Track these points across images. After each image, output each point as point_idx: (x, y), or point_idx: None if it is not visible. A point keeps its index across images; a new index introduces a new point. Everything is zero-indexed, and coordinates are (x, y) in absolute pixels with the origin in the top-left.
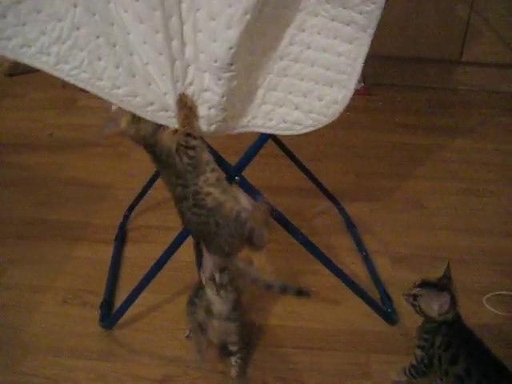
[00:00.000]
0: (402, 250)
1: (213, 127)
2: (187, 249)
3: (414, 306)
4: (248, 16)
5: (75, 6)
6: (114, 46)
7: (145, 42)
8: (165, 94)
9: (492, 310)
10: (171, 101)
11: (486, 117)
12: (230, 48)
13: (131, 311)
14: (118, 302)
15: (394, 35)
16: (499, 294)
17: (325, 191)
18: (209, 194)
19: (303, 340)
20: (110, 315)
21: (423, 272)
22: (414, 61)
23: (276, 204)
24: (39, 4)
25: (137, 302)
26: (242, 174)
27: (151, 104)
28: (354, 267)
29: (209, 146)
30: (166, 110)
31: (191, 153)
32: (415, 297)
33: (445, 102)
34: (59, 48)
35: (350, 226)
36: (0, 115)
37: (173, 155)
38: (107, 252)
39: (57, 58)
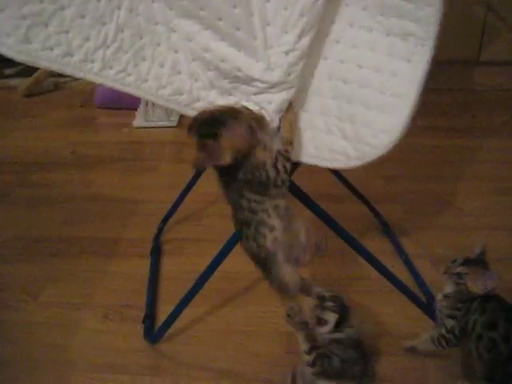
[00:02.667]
0: (442, 252)
1: None
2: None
3: (457, 283)
4: None
5: (119, 8)
6: (158, 45)
7: (190, 40)
8: (212, 88)
9: None
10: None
11: (509, 116)
12: None
13: (174, 325)
14: (160, 316)
15: None
16: None
17: (359, 196)
18: (272, 229)
19: None
20: (153, 329)
21: None
22: (433, 63)
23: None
24: (84, 9)
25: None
26: None
27: (198, 100)
28: (395, 270)
29: None
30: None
31: (288, 165)
32: (459, 275)
33: (466, 103)
34: (104, 53)
35: (387, 229)
36: (22, 135)
37: (266, 169)
38: (141, 266)
39: (102, 63)
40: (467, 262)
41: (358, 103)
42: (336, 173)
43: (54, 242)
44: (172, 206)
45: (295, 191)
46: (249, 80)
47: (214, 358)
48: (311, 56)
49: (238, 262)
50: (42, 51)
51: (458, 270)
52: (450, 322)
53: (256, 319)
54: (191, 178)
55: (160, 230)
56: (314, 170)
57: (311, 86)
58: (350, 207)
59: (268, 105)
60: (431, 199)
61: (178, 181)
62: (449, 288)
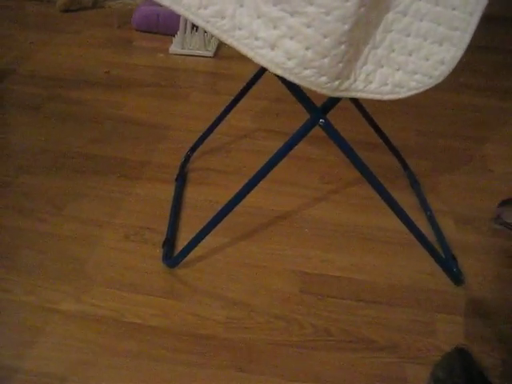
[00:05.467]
0: (467, 212)
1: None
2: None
3: (505, 226)
4: None
5: None
6: None
7: None
8: (258, 17)
9: None
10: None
11: None
12: None
13: (193, 252)
14: (179, 241)
15: None
16: None
17: (391, 146)
18: None
19: (367, 293)
20: (171, 254)
21: (487, 235)
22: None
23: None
24: None
25: (199, 243)
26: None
27: (239, 29)
28: (418, 225)
29: (294, 84)
30: (256, 38)
31: None
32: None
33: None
34: None
35: (415, 183)
36: (56, 50)
37: None
38: (166, 191)
39: None
40: (503, 203)
41: (417, 36)
42: (371, 121)
43: (81, 158)
44: (201, 136)
45: (331, 133)
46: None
47: (228, 288)
48: None
49: (260, 199)
50: None
51: (497, 213)
52: None
53: (273, 256)
54: (223, 109)
55: (187, 158)
56: (350, 116)
57: (372, 19)
58: (379, 157)
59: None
60: (462, 158)
61: (208, 111)
62: None
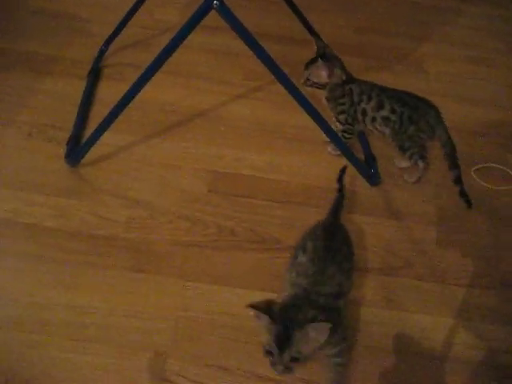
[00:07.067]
0: None
1: None
2: (159, 88)
3: (314, 86)
4: None
5: None
6: None
7: None
8: None
9: (480, 182)
10: None
11: None
12: None
13: (99, 150)
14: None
15: None
16: (489, 167)
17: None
18: None
19: (278, 193)
20: (76, 152)
21: None
22: None
23: (271, 52)
24: None
25: (105, 141)
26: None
27: None
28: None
29: None
30: None
31: None
32: (308, 80)
33: None
34: None
35: None
36: None
37: None
38: (78, 87)
39: None
40: (306, 65)
41: None
42: (303, 19)
43: None
44: (116, 28)
45: (228, 17)
46: None
47: (132, 187)
48: None
49: (177, 95)
50: None
51: (305, 75)
52: (341, 118)
53: (185, 154)
54: None
55: (102, 52)
56: (284, 12)
57: None
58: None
59: None
60: (400, 57)
61: (130, 2)
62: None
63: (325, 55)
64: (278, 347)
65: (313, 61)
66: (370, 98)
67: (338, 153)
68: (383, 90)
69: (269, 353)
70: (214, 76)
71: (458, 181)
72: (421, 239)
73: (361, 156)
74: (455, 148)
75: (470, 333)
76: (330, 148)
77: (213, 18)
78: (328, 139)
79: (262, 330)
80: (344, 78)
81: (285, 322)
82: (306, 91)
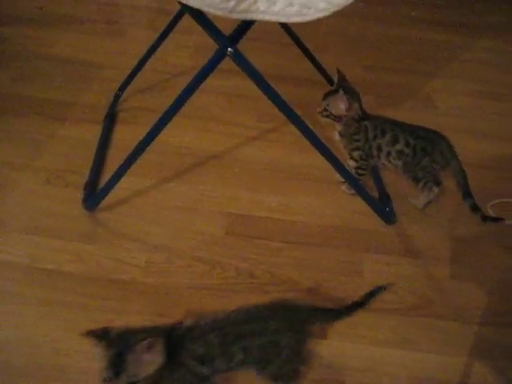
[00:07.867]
0: None
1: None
2: (175, 131)
3: (329, 117)
4: None
5: None
6: None
7: None
8: None
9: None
10: None
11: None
12: None
13: (116, 195)
14: (103, 184)
15: None
16: (505, 202)
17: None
18: None
19: (295, 234)
20: (93, 197)
21: None
22: None
23: (284, 93)
24: None
25: (122, 185)
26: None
27: None
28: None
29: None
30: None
31: None
32: (326, 110)
33: None
34: None
35: None
36: None
37: None
38: (94, 133)
39: None
40: (324, 95)
41: None
42: (313, 59)
43: (2, 99)
44: (130, 73)
45: (241, 62)
46: None
47: (150, 231)
48: None
49: (192, 139)
50: None
51: (322, 105)
52: (355, 154)
53: (201, 197)
54: (151, 45)
55: (117, 97)
56: (294, 53)
57: None
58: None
59: None
60: (408, 94)
61: (146, 49)
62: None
63: (345, 88)
64: (114, 372)
65: (332, 92)
66: (383, 133)
67: (353, 192)
68: (395, 124)
69: (106, 379)
70: (228, 118)
71: (475, 208)
72: (437, 275)
73: (375, 194)
74: (467, 177)
75: (491, 370)
76: (344, 187)
77: (227, 61)
78: (342, 179)
79: (101, 358)
80: (360, 113)
81: (120, 346)
82: (320, 134)
